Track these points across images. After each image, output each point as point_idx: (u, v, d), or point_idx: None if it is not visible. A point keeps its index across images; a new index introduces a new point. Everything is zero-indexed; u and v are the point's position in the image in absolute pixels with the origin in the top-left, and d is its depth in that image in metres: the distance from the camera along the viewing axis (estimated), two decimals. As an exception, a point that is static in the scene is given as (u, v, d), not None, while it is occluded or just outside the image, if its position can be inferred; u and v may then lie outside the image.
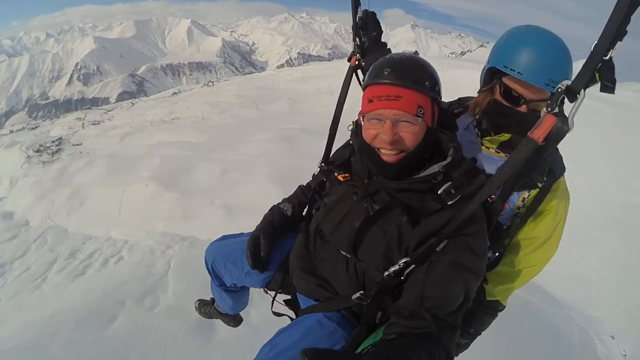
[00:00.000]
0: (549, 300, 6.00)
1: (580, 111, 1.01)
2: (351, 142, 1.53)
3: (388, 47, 1.76)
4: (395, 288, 1.27)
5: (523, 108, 1.39)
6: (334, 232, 1.40)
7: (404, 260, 1.20)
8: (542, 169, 1.43)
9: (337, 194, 1.46)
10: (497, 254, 1.56)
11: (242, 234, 1.88)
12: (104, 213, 8.03)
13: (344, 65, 1.79)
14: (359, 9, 1.66)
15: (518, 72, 1.33)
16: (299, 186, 1.90)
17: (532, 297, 5.48)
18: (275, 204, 1.83)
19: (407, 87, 1.21)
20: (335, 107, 1.75)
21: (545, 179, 1.44)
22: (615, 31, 0.90)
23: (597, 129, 9.25)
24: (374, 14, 1.71)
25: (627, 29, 0.90)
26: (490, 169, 1.48)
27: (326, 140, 1.79)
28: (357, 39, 1.70)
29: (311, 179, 1.82)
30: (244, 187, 6.42)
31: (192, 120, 16.26)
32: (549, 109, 1.04)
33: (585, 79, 0.97)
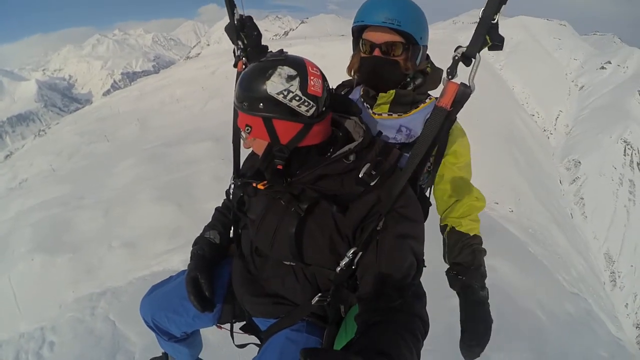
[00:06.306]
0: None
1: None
2: None
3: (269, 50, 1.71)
4: (349, 278, 1.28)
5: (376, 52, 1.46)
6: (272, 246, 1.33)
7: (352, 251, 1.21)
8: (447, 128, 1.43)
9: (260, 206, 1.39)
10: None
11: (170, 278, 1.77)
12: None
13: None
14: (235, 11, 1.61)
15: (361, 21, 1.46)
16: (216, 208, 1.80)
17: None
18: (200, 234, 1.70)
19: (235, 105, 1.27)
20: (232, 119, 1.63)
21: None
22: None
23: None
24: (250, 17, 1.67)
25: None
26: (389, 133, 1.52)
27: (232, 153, 1.73)
28: (240, 42, 1.64)
29: (225, 197, 1.76)
30: (134, 218, 5.90)
31: (42, 175, 13.42)
32: (450, 77, 1.09)
33: (479, 43, 1.01)
